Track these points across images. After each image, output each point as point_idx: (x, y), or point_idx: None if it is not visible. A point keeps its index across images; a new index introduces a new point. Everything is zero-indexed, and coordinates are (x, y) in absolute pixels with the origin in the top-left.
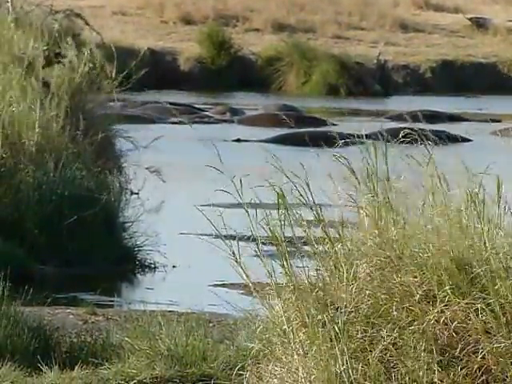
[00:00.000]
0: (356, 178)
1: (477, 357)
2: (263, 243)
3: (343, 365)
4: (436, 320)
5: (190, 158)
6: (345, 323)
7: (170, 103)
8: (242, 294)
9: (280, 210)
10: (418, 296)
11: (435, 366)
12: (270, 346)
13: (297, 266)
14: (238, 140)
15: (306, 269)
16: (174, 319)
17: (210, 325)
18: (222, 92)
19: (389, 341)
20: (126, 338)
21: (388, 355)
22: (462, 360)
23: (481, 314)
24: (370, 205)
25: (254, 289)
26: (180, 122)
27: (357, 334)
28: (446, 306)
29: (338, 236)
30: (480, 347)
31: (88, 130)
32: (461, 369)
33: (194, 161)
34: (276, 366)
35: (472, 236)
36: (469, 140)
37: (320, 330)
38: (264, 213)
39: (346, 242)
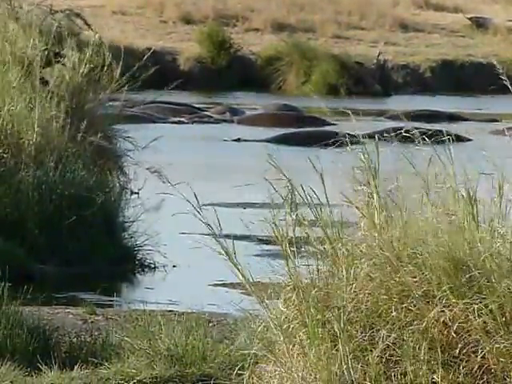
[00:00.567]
0: (368, 176)
1: (477, 356)
2: (264, 243)
3: (343, 365)
4: (436, 320)
5: (189, 158)
6: (345, 323)
7: (170, 103)
8: (242, 293)
9: (281, 210)
10: (418, 296)
11: (435, 366)
12: (269, 345)
13: (298, 266)
14: (238, 140)
15: (307, 268)
16: (174, 319)
17: (210, 324)
18: (222, 92)
19: (389, 341)
20: (126, 338)
21: (388, 355)
22: (462, 360)
23: (479, 314)
24: (369, 205)
25: (252, 289)
26: (180, 122)
27: (357, 333)
28: (445, 306)
29: (337, 236)
30: (480, 347)
31: (88, 129)
32: (461, 368)
33: (194, 160)
34: (276, 365)
35: (468, 237)
36: (468, 139)
37: (320, 329)
38: (266, 212)
39: (346, 242)
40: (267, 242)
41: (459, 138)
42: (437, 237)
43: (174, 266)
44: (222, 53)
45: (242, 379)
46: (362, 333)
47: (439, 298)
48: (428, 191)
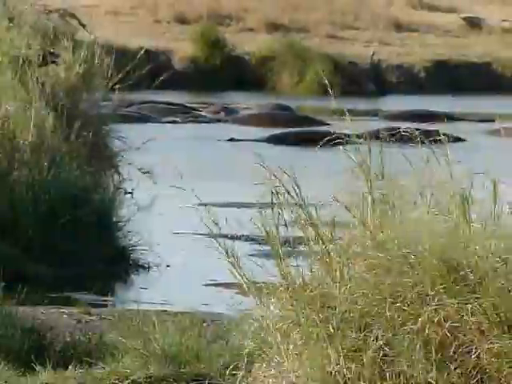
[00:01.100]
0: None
1: (471, 356)
2: (258, 242)
3: (337, 364)
4: (430, 320)
5: (183, 157)
6: (339, 323)
7: (164, 103)
8: (236, 293)
9: (274, 209)
10: (411, 296)
11: (430, 366)
12: (264, 345)
13: (292, 266)
14: (232, 139)
15: (301, 268)
16: (168, 319)
17: (204, 324)
18: (216, 91)
19: (383, 341)
20: (120, 338)
21: (382, 355)
22: (456, 360)
23: (473, 313)
24: (362, 205)
25: (250, 288)
26: (174, 122)
27: (351, 333)
28: (439, 305)
29: (330, 236)
30: (474, 347)
31: (82, 129)
32: (455, 368)
33: (188, 160)
34: (270, 365)
35: (462, 236)
36: (463, 140)
37: (314, 329)
38: (259, 212)
39: (339, 242)
40: (261, 241)
41: (454, 138)
42: (431, 237)
43: (167, 266)
44: (216, 53)
45: (236, 379)
46: (356, 333)
47: (433, 298)
48: (422, 191)
